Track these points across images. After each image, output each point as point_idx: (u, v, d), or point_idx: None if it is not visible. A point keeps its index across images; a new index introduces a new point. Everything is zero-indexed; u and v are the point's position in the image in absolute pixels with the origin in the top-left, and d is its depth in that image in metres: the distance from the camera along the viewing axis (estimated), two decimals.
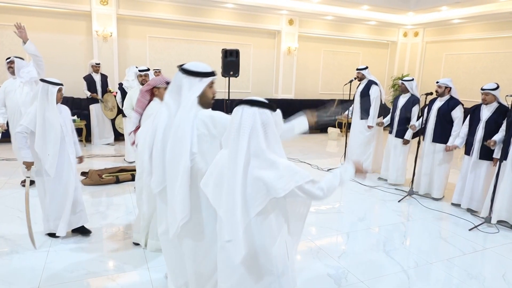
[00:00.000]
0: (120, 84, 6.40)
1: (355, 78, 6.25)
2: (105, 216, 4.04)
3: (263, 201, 1.55)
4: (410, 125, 5.21)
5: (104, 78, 7.61)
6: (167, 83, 3.13)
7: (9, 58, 4.83)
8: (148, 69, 4.89)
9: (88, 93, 7.39)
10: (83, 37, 8.20)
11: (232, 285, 1.69)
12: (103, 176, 5.15)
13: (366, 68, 6.19)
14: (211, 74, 2.02)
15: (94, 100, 7.47)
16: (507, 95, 4.00)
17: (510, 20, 8.87)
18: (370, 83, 6.08)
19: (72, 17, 8.05)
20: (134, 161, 5.67)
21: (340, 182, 1.73)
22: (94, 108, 7.53)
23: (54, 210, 3.37)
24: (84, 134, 7.48)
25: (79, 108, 7.81)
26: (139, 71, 4.85)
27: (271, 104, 1.61)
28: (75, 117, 7.36)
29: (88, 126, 7.55)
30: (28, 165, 3.25)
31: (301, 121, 2.19)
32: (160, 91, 3.20)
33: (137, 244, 3.37)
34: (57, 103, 3.25)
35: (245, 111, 1.56)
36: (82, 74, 7.62)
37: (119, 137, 7.74)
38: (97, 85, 7.47)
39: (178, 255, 2.23)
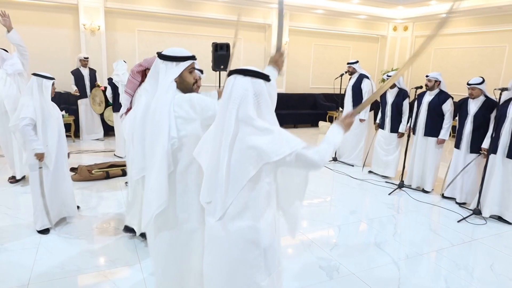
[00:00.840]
0: (110, 79, 6.31)
1: (346, 72, 6.27)
2: (95, 212, 4.00)
3: (254, 167, 1.50)
4: (401, 128, 5.34)
5: (92, 72, 7.50)
6: None
7: None
8: None
9: (74, 88, 7.25)
10: (70, 31, 8.05)
11: (215, 256, 1.65)
12: (93, 171, 5.09)
13: (357, 62, 6.23)
14: (188, 58, 1.97)
15: (82, 95, 7.35)
16: (495, 89, 4.05)
17: (498, 15, 8.97)
18: (362, 76, 6.12)
19: (58, 10, 7.89)
20: (124, 156, 5.63)
21: (334, 147, 1.69)
22: (82, 103, 7.42)
23: (54, 202, 3.44)
24: (73, 130, 7.37)
25: (67, 103, 7.68)
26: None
27: (266, 74, 1.55)
28: (63, 112, 7.24)
29: (76, 121, 7.44)
30: (41, 157, 3.27)
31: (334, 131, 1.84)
32: None
33: (129, 230, 3.32)
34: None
35: (238, 80, 1.52)
36: (70, 69, 7.48)
37: (108, 132, 7.65)
38: (85, 79, 7.35)
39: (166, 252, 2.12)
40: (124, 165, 5.10)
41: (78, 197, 4.39)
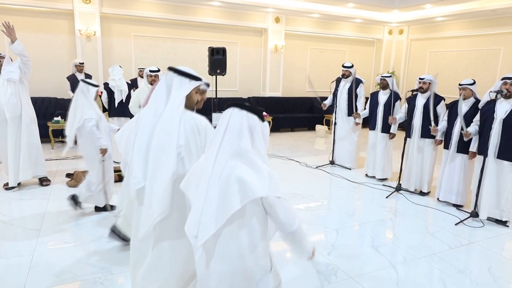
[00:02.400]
0: (106, 84, 6.29)
1: (343, 76, 6.29)
2: (91, 218, 3.96)
3: (241, 201, 1.50)
4: (391, 118, 5.29)
5: (88, 78, 7.45)
6: None
7: None
8: (159, 70, 4.86)
9: (72, 94, 7.24)
10: (66, 36, 8.04)
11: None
12: None
13: (352, 66, 6.27)
14: (200, 79, 2.11)
15: None
16: (490, 91, 4.08)
17: (492, 18, 9.04)
18: (358, 81, 6.18)
19: (54, 16, 7.88)
20: (120, 162, 5.59)
21: (301, 239, 1.65)
22: None
23: (111, 185, 4.08)
24: None
25: (63, 108, 7.63)
26: (150, 71, 4.83)
27: (261, 114, 1.64)
28: (59, 118, 7.22)
29: None
30: (105, 152, 3.77)
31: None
32: None
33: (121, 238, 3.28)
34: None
35: (234, 113, 1.59)
36: (66, 74, 7.47)
37: None
38: None
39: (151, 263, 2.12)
40: (121, 171, 5.07)
41: None
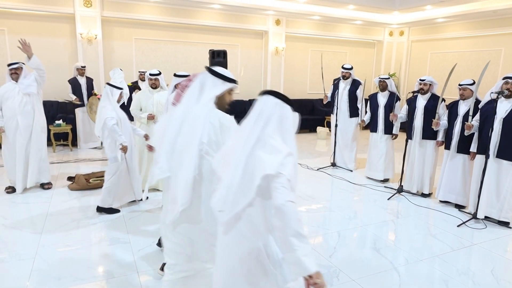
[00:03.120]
0: None
1: (343, 77, 6.29)
2: (93, 221, 3.97)
3: (257, 179, 1.58)
4: (392, 114, 5.30)
5: (89, 81, 7.50)
6: None
7: (16, 63, 4.66)
8: (160, 73, 4.88)
9: (73, 97, 7.26)
10: (67, 40, 8.06)
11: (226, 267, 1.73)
12: (90, 180, 5.07)
13: (352, 68, 6.29)
14: (234, 81, 2.19)
15: (80, 104, 7.35)
16: (491, 92, 4.08)
17: (493, 19, 9.03)
18: (358, 83, 6.19)
19: (55, 20, 7.90)
20: None
21: (304, 253, 1.46)
22: (80, 112, 7.40)
23: (136, 179, 4.34)
24: (70, 139, 7.35)
25: (64, 112, 7.67)
26: (150, 74, 4.85)
27: (291, 103, 1.72)
28: (60, 121, 7.24)
29: (74, 130, 7.42)
30: (126, 149, 3.96)
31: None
32: None
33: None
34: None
35: (269, 100, 1.69)
36: (67, 78, 7.49)
37: None
38: (82, 88, 7.35)
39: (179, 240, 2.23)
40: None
41: (75, 207, 4.39)
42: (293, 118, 1.73)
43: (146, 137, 4.40)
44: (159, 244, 3.31)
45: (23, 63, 4.69)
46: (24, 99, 4.65)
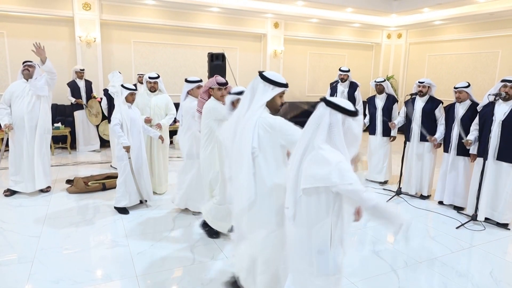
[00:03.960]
0: (106, 90, 6.31)
1: (341, 80, 6.30)
2: (91, 224, 3.96)
3: (304, 184, 1.78)
4: (390, 123, 5.35)
5: (88, 84, 7.50)
6: (218, 83, 3.55)
7: (30, 61, 4.68)
8: (158, 76, 4.89)
9: (73, 99, 7.27)
10: (66, 43, 8.07)
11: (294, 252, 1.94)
12: (89, 183, 5.06)
13: (349, 70, 6.32)
14: (284, 85, 2.24)
15: (79, 107, 7.35)
16: (489, 94, 4.09)
17: (490, 21, 9.08)
18: (355, 85, 6.21)
19: (54, 23, 7.91)
20: None
21: (395, 217, 1.86)
22: (78, 115, 7.40)
23: (144, 179, 4.44)
24: (69, 141, 7.35)
25: (63, 115, 7.67)
26: (149, 77, 4.86)
27: (347, 110, 1.74)
28: (59, 124, 7.23)
29: (73, 133, 7.42)
30: (128, 149, 4.09)
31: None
32: (214, 91, 3.55)
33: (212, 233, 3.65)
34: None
35: (320, 109, 1.78)
36: (66, 80, 7.49)
37: (105, 143, 7.62)
38: (81, 91, 7.35)
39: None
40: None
41: (74, 210, 4.38)
42: (351, 124, 1.76)
43: (161, 138, 4.56)
44: (205, 226, 3.69)
45: (38, 65, 4.69)
46: (33, 100, 4.64)
